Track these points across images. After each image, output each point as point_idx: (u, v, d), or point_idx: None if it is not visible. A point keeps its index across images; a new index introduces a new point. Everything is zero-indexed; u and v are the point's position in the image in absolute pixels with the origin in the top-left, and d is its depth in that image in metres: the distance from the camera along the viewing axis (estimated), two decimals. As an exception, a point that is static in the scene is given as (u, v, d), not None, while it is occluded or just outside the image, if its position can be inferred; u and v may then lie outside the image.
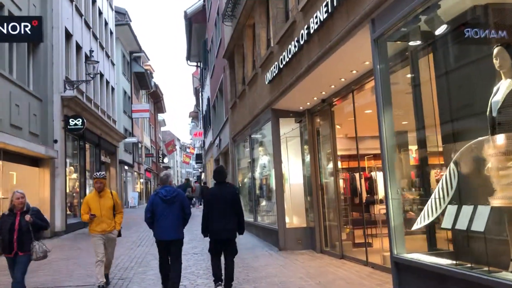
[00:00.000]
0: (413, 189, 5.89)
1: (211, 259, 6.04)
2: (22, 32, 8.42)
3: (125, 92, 31.46)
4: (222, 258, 6.04)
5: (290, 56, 7.76)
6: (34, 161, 13.35)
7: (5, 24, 8.36)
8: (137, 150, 36.56)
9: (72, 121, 14.69)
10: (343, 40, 5.77)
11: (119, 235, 6.77)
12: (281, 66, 8.35)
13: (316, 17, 6.53)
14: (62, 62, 14.98)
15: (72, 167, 17.27)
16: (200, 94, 34.31)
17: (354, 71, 6.79)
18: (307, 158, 9.71)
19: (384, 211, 8.95)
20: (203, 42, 24.69)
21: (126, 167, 31.16)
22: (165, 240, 5.85)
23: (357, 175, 9.06)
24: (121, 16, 30.23)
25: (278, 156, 9.70)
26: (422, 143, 5.55)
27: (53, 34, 14.45)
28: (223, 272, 5.94)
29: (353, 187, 9.24)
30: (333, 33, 6.05)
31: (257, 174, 12.28)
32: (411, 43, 5.32)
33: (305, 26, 6.99)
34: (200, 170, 52.64)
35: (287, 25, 8.07)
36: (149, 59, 41.66)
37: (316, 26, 6.57)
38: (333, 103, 8.36)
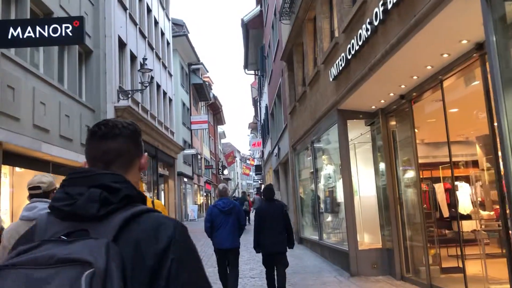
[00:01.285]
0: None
1: (266, 272, 6.58)
2: (63, 33, 7.83)
3: (183, 104, 31.28)
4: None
5: (361, 43, 6.42)
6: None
7: (46, 26, 7.81)
8: (197, 162, 36.27)
9: (126, 132, 14.14)
10: (435, 9, 4.38)
11: None
12: (349, 57, 7.02)
13: (395, -13, 5.19)
14: (116, 71, 14.56)
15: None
16: (258, 104, 33.46)
17: (446, 55, 5.33)
18: (381, 166, 8.25)
19: (470, 227, 7.39)
20: (260, 48, 23.78)
21: (185, 179, 30.81)
22: (223, 249, 6.25)
23: (441, 185, 7.48)
24: (179, 27, 30.14)
25: (346, 164, 8.31)
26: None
27: (105, 42, 14.05)
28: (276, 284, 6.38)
29: (438, 200, 7.67)
30: (420, 3, 4.67)
31: (320, 186, 10.92)
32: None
33: (380, 2, 5.65)
34: (260, 182, 51.78)
35: (356, 7, 6.75)
36: (207, 71, 41.56)
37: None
38: (415, 99, 6.89)
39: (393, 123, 7.94)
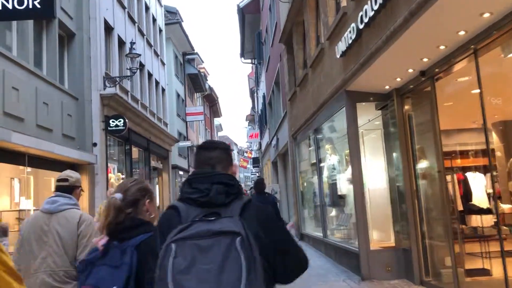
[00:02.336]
0: None
1: None
2: (30, 6, 6.79)
3: (178, 95, 30.17)
4: None
5: (376, 7, 5.40)
6: (71, 167, 11.85)
7: (11, -2, 6.79)
8: (192, 155, 35.23)
9: (113, 121, 13.11)
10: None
11: None
12: (361, 27, 6.01)
13: None
14: (102, 56, 13.49)
15: (120, 173, 15.83)
16: (255, 94, 32.43)
17: (487, 14, 4.32)
18: (395, 156, 7.28)
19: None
20: (257, 35, 22.70)
21: (180, 172, 29.79)
22: None
23: (474, 176, 6.52)
24: (172, 15, 28.93)
25: (356, 152, 7.32)
26: None
27: (90, 25, 12.97)
28: None
29: (465, 193, 6.71)
30: None
31: (324, 178, 9.93)
32: None
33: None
34: (257, 174, 50.81)
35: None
36: (203, 61, 40.37)
37: None
38: (438, 76, 5.90)
39: (409, 106, 6.96)
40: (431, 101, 6.15)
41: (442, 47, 5.21)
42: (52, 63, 11.20)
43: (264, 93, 22.54)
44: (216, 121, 58.18)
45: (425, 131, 6.71)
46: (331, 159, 9.76)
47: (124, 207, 1.89)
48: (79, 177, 3.24)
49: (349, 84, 7.11)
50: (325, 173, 9.72)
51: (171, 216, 1.58)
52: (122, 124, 13.10)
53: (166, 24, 25.49)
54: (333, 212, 10.05)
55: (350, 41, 6.56)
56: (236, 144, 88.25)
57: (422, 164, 6.83)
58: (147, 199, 1.99)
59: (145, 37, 19.07)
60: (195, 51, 34.71)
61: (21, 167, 9.68)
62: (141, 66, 18.28)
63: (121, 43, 15.71)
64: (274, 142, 17.87)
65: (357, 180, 7.24)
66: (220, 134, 70.25)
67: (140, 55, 14.01)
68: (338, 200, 9.54)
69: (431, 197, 6.60)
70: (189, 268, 1.37)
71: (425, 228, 6.66)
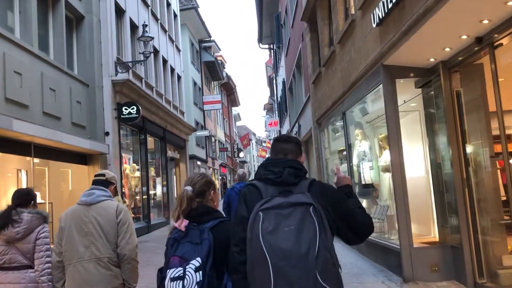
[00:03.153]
0: None
1: None
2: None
3: (195, 83, 29.46)
4: None
5: (427, -43, 4.46)
6: (81, 157, 11.22)
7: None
8: (210, 145, 34.58)
9: (126, 109, 12.41)
10: None
11: None
12: (405, -13, 5.08)
13: None
14: (113, 41, 12.77)
15: (135, 164, 15.19)
16: (274, 81, 31.47)
17: None
18: (439, 140, 6.35)
19: None
20: (275, 17, 21.68)
21: (198, 163, 29.18)
22: None
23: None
24: (188, 1, 28.12)
25: (395, 135, 6.39)
26: None
27: (100, 7, 12.24)
28: None
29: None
30: None
31: (354, 167, 9.03)
32: None
33: None
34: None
35: None
36: (220, 49, 39.49)
37: None
38: (498, 43, 4.94)
39: (457, 81, 6.00)
40: (486, 75, 5.20)
41: (509, 3, 4.25)
42: (60, 47, 10.51)
43: (283, 79, 21.60)
44: (234, 110, 57.38)
45: (478, 110, 5.78)
46: (361, 145, 8.86)
47: (194, 197, 2.29)
48: (116, 176, 3.49)
49: (387, 57, 6.18)
50: (355, 161, 8.82)
51: (252, 191, 2.01)
52: (135, 112, 12.39)
53: (181, 10, 24.68)
54: (364, 203, 9.17)
55: (388, 8, 5.63)
56: (254, 134, 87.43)
57: (474, 149, 5.89)
58: (212, 190, 2.38)
59: (159, 21, 18.30)
60: (211, 38, 33.85)
61: (27, 158, 9.06)
62: (155, 51, 17.55)
63: (134, 27, 14.97)
64: (295, 129, 16.99)
65: (397, 167, 6.33)
66: (238, 123, 69.40)
67: (153, 38, 13.22)
68: (370, 190, 8.66)
69: (487, 186, 5.68)
70: (274, 230, 1.78)
71: (478, 221, 5.75)
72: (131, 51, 14.48)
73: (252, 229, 1.80)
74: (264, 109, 56.83)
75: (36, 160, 9.86)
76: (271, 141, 2.09)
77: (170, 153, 19.76)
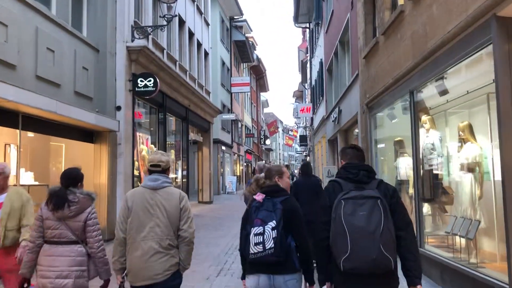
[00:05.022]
0: None
1: None
2: None
3: (223, 63, 27.63)
4: None
5: None
6: (85, 134, 9.56)
7: None
8: (237, 130, 32.82)
9: (142, 81, 10.67)
10: None
11: None
12: None
13: None
14: (130, 2, 11.01)
15: (152, 146, 13.53)
16: (308, 65, 29.32)
17: None
18: None
19: None
20: (315, -10, 19.53)
21: (223, 148, 27.50)
22: None
23: None
24: (219, -27, 26.16)
25: (508, 117, 4.31)
26: None
27: (115, -40, 10.45)
28: None
29: None
30: None
31: (426, 165, 6.96)
32: None
33: None
34: (304, 154, 47.82)
35: None
36: (251, 30, 37.43)
37: None
38: None
39: None
40: None
41: None
42: (64, 1, 8.80)
43: (321, 59, 19.49)
44: (263, 96, 55.38)
45: None
46: (430, 136, 6.83)
47: (264, 179, 3.45)
48: (169, 158, 3.52)
49: (505, 5, 4.14)
50: (426, 155, 6.78)
51: (335, 186, 2.80)
52: (152, 85, 10.64)
53: (212, -18, 22.81)
54: (425, 209, 7.17)
55: None
56: (281, 122, 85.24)
57: None
58: (277, 176, 3.36)
59: (186, -11, 16.46)
60: (243, 18, 31.87)
61: (17, 131, 7.42)
62: (181, 22, 15.74)
63: (156, -11, 13.17)
64: (334, 115, 14.95)
65: (509, 168, 4.29)
66: (266, 110, 67.31)
67: (176, 0, 11.36)
68: (442, 194, 6.65)
69: None
70: (352, 213, 2.57)
71: None
72: (152, 15, 12.72)
73: (336, 212, 2.64)
74: (293, 96, 54.63)
75: (30, 134, 8.26)
76: (345, 148, 3.06)
77: (192, 136, 18.06)
